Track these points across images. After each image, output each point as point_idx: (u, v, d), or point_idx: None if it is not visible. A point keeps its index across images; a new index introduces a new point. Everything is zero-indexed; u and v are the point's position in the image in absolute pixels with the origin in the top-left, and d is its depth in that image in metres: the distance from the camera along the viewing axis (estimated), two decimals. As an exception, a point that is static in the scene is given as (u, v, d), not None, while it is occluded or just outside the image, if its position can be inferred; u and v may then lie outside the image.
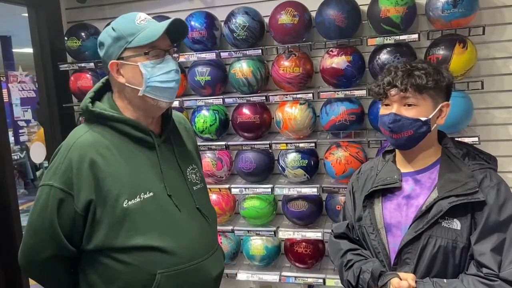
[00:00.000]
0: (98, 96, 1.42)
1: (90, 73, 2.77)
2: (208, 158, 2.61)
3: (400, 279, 1.34)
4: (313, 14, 2.44)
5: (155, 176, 1.37)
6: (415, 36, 2.20)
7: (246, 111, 2.54)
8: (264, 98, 2.47)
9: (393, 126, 1.41)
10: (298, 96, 2.41)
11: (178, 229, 1.37)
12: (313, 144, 2.42)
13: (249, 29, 2.43)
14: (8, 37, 7.82)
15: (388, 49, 2.28)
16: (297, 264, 2.61)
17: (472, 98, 2.27)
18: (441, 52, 2.20)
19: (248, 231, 2.58)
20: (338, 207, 2.44)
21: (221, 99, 2.53)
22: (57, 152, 1.35)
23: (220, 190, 2.65)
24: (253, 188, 2.55)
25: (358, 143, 2.43)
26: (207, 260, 1.42)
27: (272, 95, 2.46)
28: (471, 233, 1.34)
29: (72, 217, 1.29)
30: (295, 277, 2.59)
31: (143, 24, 1.33)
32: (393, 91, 1.40)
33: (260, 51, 2.44)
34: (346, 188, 2.37)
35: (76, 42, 2.73)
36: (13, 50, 7.91)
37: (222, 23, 2.56)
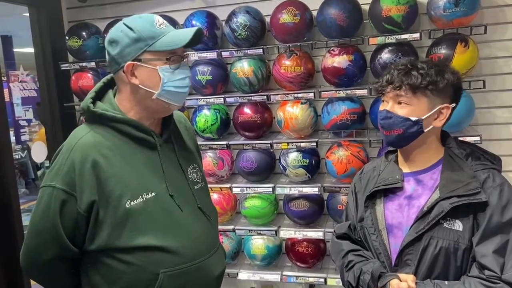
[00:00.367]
0: (99, 96, 1.42)
1: (91, 72, 2.77)
2: (209, 158, 2.61)
3: (400, 280, 1.33)
4: (315, 13, 2.43)
5: (157, 176, 1.37)
6: (417, 35, 2.20)
7: (247, 110, 2.54)
8: (265, 97, 2.47)
9: (383, 123, 1.42)
10: (300, 95, 2.41)
11: (180, 228, 1.38)
12: (314, 144, 2.42)
13: (250, 29, 2.43)
14: (9, 36, 7.82)
15: (390, 48, 2.28)
16: (298, 263, 2.61)
17: (474, 97, 2.26)
18: (442, 51, 2.19)
19: (249, 230, 2.58)
20: (339, 207, 2.43)
21: (222, 99, 2.53)
22: (58, 152, 1.35)
23: (221, 190, 2.65)
24: (254, 187, 2.55)
25: (360, 143, 2.43)
26: (209, 259, 1.43)
27: (273, 95, 2.46)
28: (473, 235, 1.33)
29: (74, 218, 1.29)
30: (296, 276, 2.58)
31: (163, 29, 1.33)
32: (388, 88, 1.41)
33: (261, 50, 2.44)
34: (347, 187, 2.39)
35: (77, 42, 2.73)
36: (14, 49, 7.91)
37: (223, 23, 2.56)
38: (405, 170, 1.48)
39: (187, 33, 1.34)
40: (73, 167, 1.28)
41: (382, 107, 1.45)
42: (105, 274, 1.34)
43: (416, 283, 1.33)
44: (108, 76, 1.45)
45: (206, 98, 2.56)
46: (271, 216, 2.63)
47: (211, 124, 2.58)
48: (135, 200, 1.31)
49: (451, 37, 2.21)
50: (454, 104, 1.42)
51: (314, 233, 2.49)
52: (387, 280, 1.35)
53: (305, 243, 2.56)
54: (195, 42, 1.37)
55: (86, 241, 1.32)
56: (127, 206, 1.29)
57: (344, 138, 2.42)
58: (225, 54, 2.49)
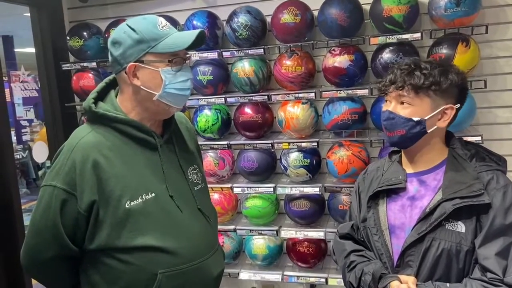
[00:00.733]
0: (101, 96, 1.42)
1: (92, 72, 2.77)
2: (210, 158, 2.61)
3: (401, 282, 1.32)
4: (315, 13, 2.43)
5: (157, 177, 1.37)
6: (418, 35, 2.19)
7: (248, 110, 2.54)
8: (266, 97, 2.47)
9: (386, 124, 1.42)
10: (300, 95, 2.41)
11: (180, 229, 1.38)
12: (315, 144, 2.42)
13: (251, 28, 2.43)
14: (10, 36, 7.82)
15: (391, 48, 2.28)
16: (299, 263, 2.61)
17: (475, 97, 2.26)
18: (443, 51, 2.19)
19: (250, 230, 2.58)
20: (340, 207, 2.43)
21: (223, 99, 2.53)
22: (59, 152, 1.35)
23: (222, 190, 2.65)
24: (255, 187, 2.55)
25: (361, 142, 2.43)
26: (208, 260, 1.43)
27: (274, 95, 2.46)
28: (476, 236, 1.31)
29: (75, 217, 1.29)
30: (298, 276, 2.58)
31: (166, 30, 1.34)
32: (391, 88, 1.40)
33: (262, 50, 2.44)
34: (348, 187, 2.39)
35: (78, 42, 2.73)
36: (15, 49, 7.91)
37: (224, 23, 2.56)
38: (409, 170, 1.47)
39: (189, 35, 1.34)
40: (74, 167, 1.28)
41: (385, 107, 1.44)
42: (104, 274, 1.34)
43: (417, 285, 1.32)
44: (111, 77, 1.45)
45: (207, 98, 2.56)
46: (272, 216, 2.63)
47: (212, 124, 2.58)
48: (135, 201, 1.31)
49: (452, 37, 2.21)
50: (458, 105, 1.41)
51: (315, 233, 2.49)
52: (387, 282, 1.34)
53: (306, 243, 2.56)
54: (198, 44, 1.37)
55: (85, 240, 1.33)
56: (126, 206, 1.30)
57: (345, 138, 2.42)
58: (226, 54, 2.49)
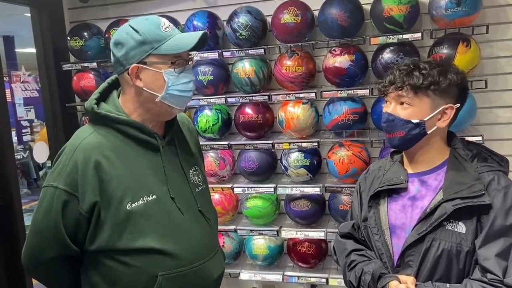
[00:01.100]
0: (103, 96, 1.42)
1: (92, 72, 2.77)
2: (210, 158, 2.61)
3: (400, 282, 1.32)
4: (316, 13, 2.43)
5: (158, 178, 1.37)
6: (418, 35, 2.19)
7: (248, 110, 2.54)
8: (266, 97, 2.47)
9: (386, 125, 1.42)
10: (301, 95, 2.41)
11: (180, 231, 1.38)
12: (316, 144, 2.42)
13: (251, 29, 2.43)
14: (11, 37, 7.82)
15: (391, 48, 2.28)
16: (300, 263, 2.61)
17: (476, 97, 2.26)
18: (444, 51, 2.19)
19: (250, 230, 2.58)
20: (341, 207, 2.43)
21: (224, 99, 2.53)
22: (61, 153, 1.35)
23: (222, 190, 2.65)
24: (256, 187, 2.55)
25: (361, 143, 2.43)
26: (208, 262, 1.43)
27: (274, 95, 2.46)
28: (476, 237, 1.31)
29: (76, 218, 1.29)
30: (298, 276, 2.58)
31: (169, 32, 1.33)
32: (390, 89, 1.40)
33: (262, 50, 2.44)
34: (349, 187, 2.39)
35: (78, 42, 2.73)
36: (16, 50, 7.91)
37: (225, 23, 2.56)
38: (410, 170, 1.47)
39: (193, 37, 1.33)
40: (75, 167, 1.28)
41: (385, 108, 1.44)
42: (104, 275, 1.34)
43: (416, 285, 1.32)
44: (113, 77, 1.44)
45: (208, 98, 2.56)
46: (272, 216, 2.63)
47: (213, 124, 2.58)
48: (136, 202, 1.31)
49: (453, 37, 2.21)
50: (458, 105, 1.40)
51: (316, 233, 2.49)
52: (386, 281, 1.34)
53: (306, 243, 2.56)
54: (200, 46, 1.37)
55: (86, 241, 1.32)
56: (128, 208, 1.29)
57: (345, 138, 2.42)
58: (226, 54, 2.49)
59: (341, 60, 2.32)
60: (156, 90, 1.33)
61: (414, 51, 2.29)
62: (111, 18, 2.81)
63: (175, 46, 1.32)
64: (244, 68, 2.49)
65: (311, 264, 2.59)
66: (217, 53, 2.50)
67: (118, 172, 1.30)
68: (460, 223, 1.33)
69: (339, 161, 2.38)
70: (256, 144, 2.51)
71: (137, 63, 1.31)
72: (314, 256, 2.57)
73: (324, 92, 2.38)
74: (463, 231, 1.32)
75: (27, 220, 2.53)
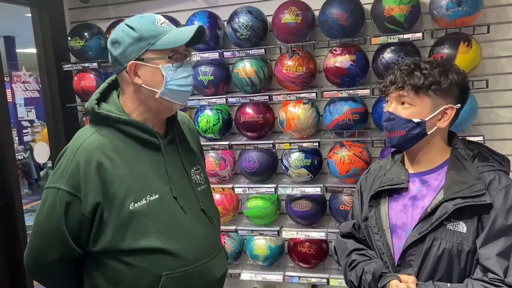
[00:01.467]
0: (103, 96, 1.41)
1: (93, 73, 2.77)
2: (211, 158, 2.61)
3: (400, 281, 1.32)
4: (317, 13, 2.43)
5: (160, 178, 1.37)
6: (419, 35, 2.19)
7: (249, 110, 2.54)
8: (267, 97, 2.47)
9: (386, 125, 1.42)
10: (302, 95, 2.40)
11: (183, 231, 1.37)
12: (317, 144, 2.42)
13: (252, 29, 2.43)
14: (12, 37, 7.83)
15: (392, 48, 2.28)
16: (300, 264, 2.60)
17: (477, 97, 2.26)
18: (445, 51, 2.19)
19: (251, 230, 2.58)
20: (341, 207, 2.43)
21: (224, 99, 2.53)
22: (62, 153, 1.34)
23: (223, 190, 2.65)
24: (257, 187, 2.55)
25: (362, 143, 2.42)
26: (211, 262, 1.42)
27: (275, 95, 2.46)
28: (477, 237, 1.31)
29: (79, 219, 1.29)
30: (299, 277, 2.58)
31: (164, 27, 1.33)
32: (391, 89, 1.40)
33: (263, 50, 2.44)
34: (350, 187, 2.39)
35: (79, 42, 2.73)
36: (17, 50, 7.92)
37: (225, 23, 2.56)
38: (411, 170, 1.47)
39: (188, 31, 1.33)
40: (78, 168, 1.28)
41: (386, 107, 1.45)
42: (108, 276, 1.34)
43: (417, 284, 1.31)
44: (113, 77, 1.44)
45: (208, 99, 2.56)
46: (273, 217, 2.63)
47: (213, 125, 2.57)
48: (139, 202, 1.30)
49: (454, 36, 2.21)
50: (459, 105, 1.40)
51: (317, 234, 2.49)
52: (387, 281, 1.34)
53: (307, 243, 2.56)
54: (197, 40, 1.37)
55: (89, 242, 1.32)
56: (130, 208, 1.29)
57: (346, 138, 2.42)
58: (227, 54, 2.49)
59: (341, 60, 2.32)
60: (155, 86, 1.33)
61: (415, 51, 2.29)
62: (112, 18, 2.81)
63: (171, 40, 1.32)
64: (245, 68, 2.48)
65: (312, 264, 2.59)
66: (217, 53, 2.50)
67: (120, 172, 1.30)
68: (461, 222, 1.33)
69: (340, 161, 2.38)
70: (257, 144, 2.50)
71: (134, 60, 1.31)
72: (315, 256, 2.56)
73: (324, 92, 2.38)
74: (464, 230, 1.32)
75: (28, 220, 2.54)
